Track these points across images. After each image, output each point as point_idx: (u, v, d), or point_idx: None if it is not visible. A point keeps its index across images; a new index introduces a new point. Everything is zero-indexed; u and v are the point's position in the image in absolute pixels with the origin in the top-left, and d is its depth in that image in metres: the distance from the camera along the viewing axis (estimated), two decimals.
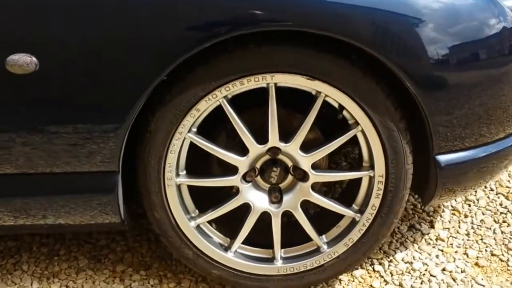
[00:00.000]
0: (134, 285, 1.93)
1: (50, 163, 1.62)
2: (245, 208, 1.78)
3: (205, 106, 1.62)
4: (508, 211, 2.22)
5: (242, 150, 1.71)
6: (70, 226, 1.76)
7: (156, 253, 2.07)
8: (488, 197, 2.30)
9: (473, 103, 1.65)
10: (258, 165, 1.74)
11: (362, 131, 1.67)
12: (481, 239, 2.08)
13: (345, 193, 2.11)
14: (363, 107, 1.62)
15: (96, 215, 1.71)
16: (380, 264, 1.97)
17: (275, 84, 1.61)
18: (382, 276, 1.93)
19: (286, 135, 1.69)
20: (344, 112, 1.66)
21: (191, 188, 1.75)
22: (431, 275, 1.91)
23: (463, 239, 2.09)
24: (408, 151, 1.68)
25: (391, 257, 2.00)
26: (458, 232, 2.12)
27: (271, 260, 1.82)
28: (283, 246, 1.82)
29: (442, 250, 2.03)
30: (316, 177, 1.74)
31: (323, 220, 1.85)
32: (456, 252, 2.03)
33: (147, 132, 1.64)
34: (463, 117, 1.65)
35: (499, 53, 1.67)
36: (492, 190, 2.35)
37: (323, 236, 1.82)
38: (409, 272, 1.94)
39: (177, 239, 1.77)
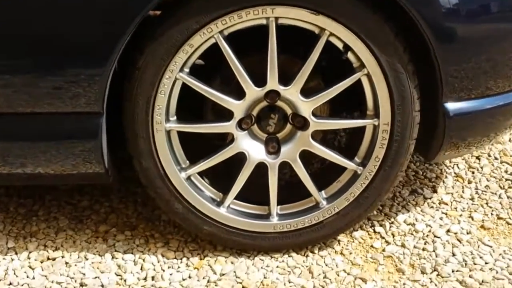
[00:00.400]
0: (118, 245, 1.80)
1: (32, 103, 1.50)
2: (239, 161, 1.66)
3: (199, 42, 1.50)
4: None
5: (238, 95, 1.59)
6: (50, 177, 1.64)
7: (143, 214, 1.94)
8: (493, 165, 2.20)
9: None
10: (254, 113, 1.63)
11: (368, 75, 1.57)
12: (487, 203, 1.98)
13: (347, 147, 1.99)
14: (370, 47, 1.51)
15: (78, 163, 1.59)
16: (381, 225, 1.86)
17: (276, 19, 1.49)
18: (383, 237, 1.82)
19: (286, 79, 1.58)
20: (349, 54, 1.55)
21: (182, 143, 1.64)
22: (435, 236, 1.81)
23: (467, 203, 1.98)
24: (416, 96, 1.58)
25: (392, 219, 1.89)
26: (462, 197, 2.02)
27: (266, 216, 1.71)
28: (280, 203, 1.70)
29: (445, 213, 1.93)
30: (317, 124, 1.62)
31: (323, 177, 1.74)
32: (460, 215, 1.92)
33: (135, 69, 1.51)
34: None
35: None
36: (496, 158, 2.25)
37: (323, 191, 1.71)
38: (411, 233, 1.83)
39: (165, 190, 1.64)
